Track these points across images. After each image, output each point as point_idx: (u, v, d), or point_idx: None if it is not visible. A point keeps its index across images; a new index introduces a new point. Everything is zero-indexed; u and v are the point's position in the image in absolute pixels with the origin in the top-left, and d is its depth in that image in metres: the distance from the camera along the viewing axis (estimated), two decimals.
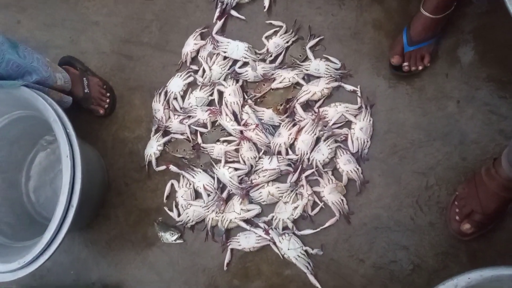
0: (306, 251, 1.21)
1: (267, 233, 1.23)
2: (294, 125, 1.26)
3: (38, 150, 1.48)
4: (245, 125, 1.29)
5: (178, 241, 1.31)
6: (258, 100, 1.32)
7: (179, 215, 1.32)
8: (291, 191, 1.24)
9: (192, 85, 1.39)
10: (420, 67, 1.21)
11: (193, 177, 1.31)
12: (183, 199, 1.31)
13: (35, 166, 1.48)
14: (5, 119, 1.30)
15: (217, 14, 1.38)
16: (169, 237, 1.31)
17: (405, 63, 1.21)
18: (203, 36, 1.40)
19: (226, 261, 1.27)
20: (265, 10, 1.36)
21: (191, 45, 1.38)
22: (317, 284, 1.19)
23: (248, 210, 1.26)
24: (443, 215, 1.17)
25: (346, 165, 1.22)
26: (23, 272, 1.09)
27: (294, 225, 1.24)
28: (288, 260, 1.22)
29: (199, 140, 1.34)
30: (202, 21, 1.42)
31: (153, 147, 1.37)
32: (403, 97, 1.25)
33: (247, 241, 1.25)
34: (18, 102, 1.19)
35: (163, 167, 1.36)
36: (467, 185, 1.10)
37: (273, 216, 1.25)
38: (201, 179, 1.31)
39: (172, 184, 1.35)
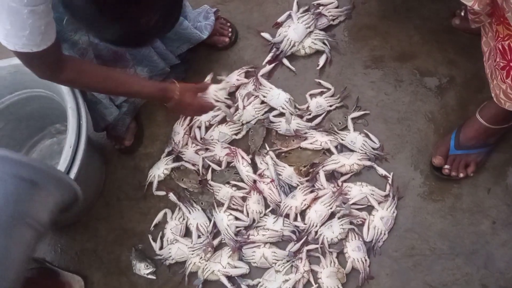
0: None
1: None
2: (311, 191, 1.27)
3: (44, 136, 1.52)
4: (261, 175, 1.30)
5: (150, 276, 1.29)
6: (283, 154, 1.34)
7: (161, 248, 1.31)
8: (287, 261, 1.22)
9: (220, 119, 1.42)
10: (462, 175, 1.21)
11: (190, 212, 1.31)
12: (171, 232, 1.31)
13: (35, 151, 1.52)
14: (24, 93, 1.34)
15: (268, 58, 1.44)
16: (143, 269, 1.29)
17: (447, 166, 1.21)
18: (247, 75, 1.45)
19: None
20: (318, 68, 1.41)
21: (233, 79, 1.44)
22: None
23: (235, 267, 1.24)
24: None
25: (355, 252, 1.20)
26: None
27: None
28: None
29: (209, 176, 1.35)
30: (252, 60, 1.47)
31: (160, 169, 1.39)
32: (436, 199, 1.24)
33: None
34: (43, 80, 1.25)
35: (162, 192, 1.38)
36: None
37: (260, 282, 1.22)
38: (196, 217, 1.31)
39: (165, 213, 1.35)
